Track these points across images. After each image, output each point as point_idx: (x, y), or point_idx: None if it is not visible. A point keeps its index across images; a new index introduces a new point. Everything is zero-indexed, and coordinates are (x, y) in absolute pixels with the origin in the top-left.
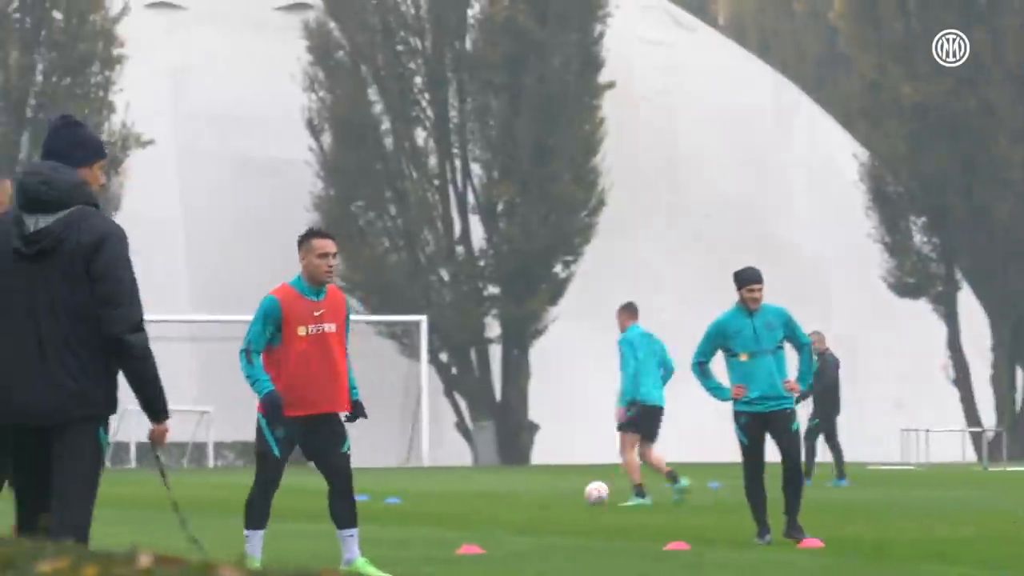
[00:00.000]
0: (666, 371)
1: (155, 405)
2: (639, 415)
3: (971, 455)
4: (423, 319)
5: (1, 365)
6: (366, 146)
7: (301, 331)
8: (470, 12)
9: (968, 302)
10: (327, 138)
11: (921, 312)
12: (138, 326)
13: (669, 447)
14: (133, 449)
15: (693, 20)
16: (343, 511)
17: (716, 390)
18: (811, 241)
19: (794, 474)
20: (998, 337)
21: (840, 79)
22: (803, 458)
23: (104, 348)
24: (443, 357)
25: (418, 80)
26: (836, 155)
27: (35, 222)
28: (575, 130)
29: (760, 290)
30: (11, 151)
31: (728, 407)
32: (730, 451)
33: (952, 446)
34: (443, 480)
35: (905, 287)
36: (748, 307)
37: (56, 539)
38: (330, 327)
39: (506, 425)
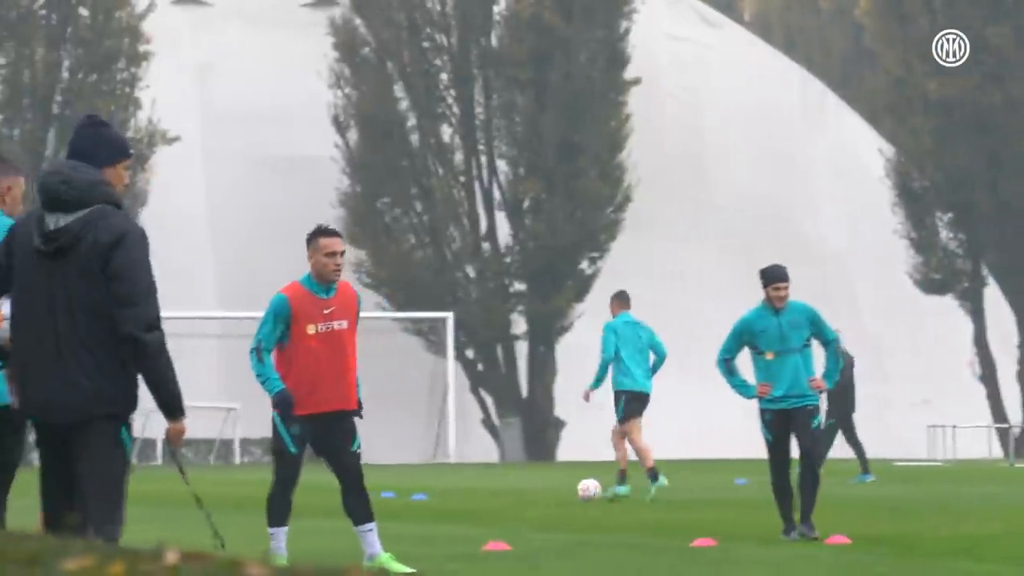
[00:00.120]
0: (657, 357)
1: (171, 404)
2: (628, 402)
3: (997, 451)
4: (449, 316)
5: (21, 362)
6: (392, 143)
7: (311, 329)
8: (496, 8)
9: (994, 298)
10: (353, 135)
11: (947, 308)
12: (152, 325)
13: (696, 443)
14: (159, 446)
15: (719, 16)
16: (357, 507)
17: (741, 387)
18: (837, 237)
19: (811, 472)
20: None
21: (866, 75)
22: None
23: (120, 347)
24: (469, 354)
25: (444, 77)
26: (862, 151)
27: (55, 221)
28: (601, 126)
29: (786, 288)
30: (37, 148)
31: (753, 404)
32: (756, 447)
33: (978, 442)
34: (469, 477)
35: (931, 283)
36: (774, 305)
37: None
38: (341, 324)
39: (532, 421)
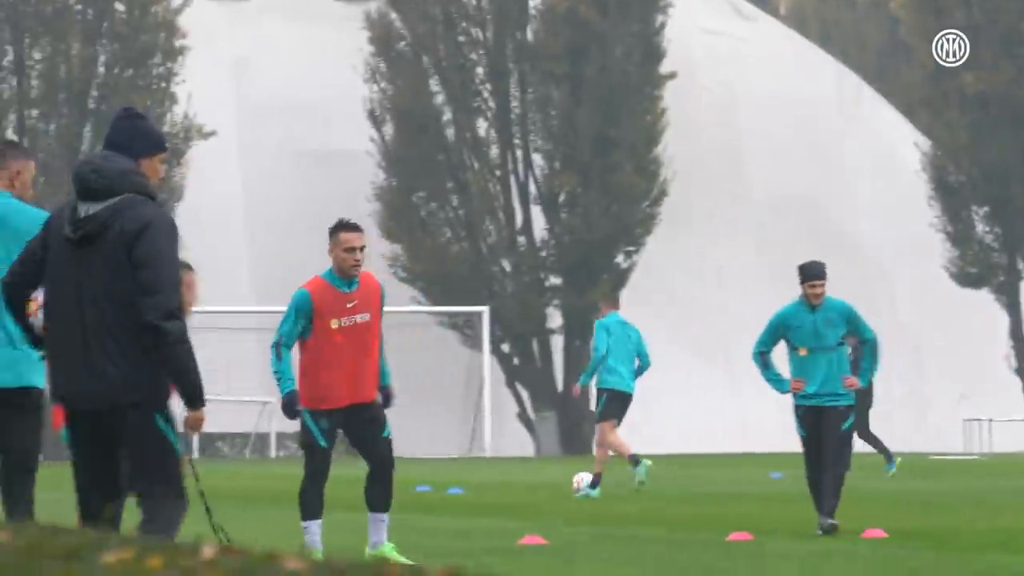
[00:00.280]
0: (642, 361)
1: (192, 393)
2: (610, 400)
3: None
4: (485, 310)
5: (52, 351)
6: (427, 137)
7: (334, 324)
8: (531, 3)
9: None
10: (389, 129)
11: (983, 302)
12: (173, 314)
13: (731, 437)
14: (196, 440)
15: (754, 10)
16: (379, 496)
17: (775, 382)
18: (873, 231)
19: (834, 471)
20: None
21: (901, 69)
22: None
23: (140, 335)
24: (505, 348)
25: (479, 71)
26: (898, 145)
27: (86, 209)
28: (636, 120)
29: (822, 286)
30: (73, 143)
31: (788, 398)
32: (791, 442)
33: (1015, 436)
34: (505, 470)
35: (967, 277)
36: (810, 302)
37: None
38: (363, 317)
39: (568, 415)
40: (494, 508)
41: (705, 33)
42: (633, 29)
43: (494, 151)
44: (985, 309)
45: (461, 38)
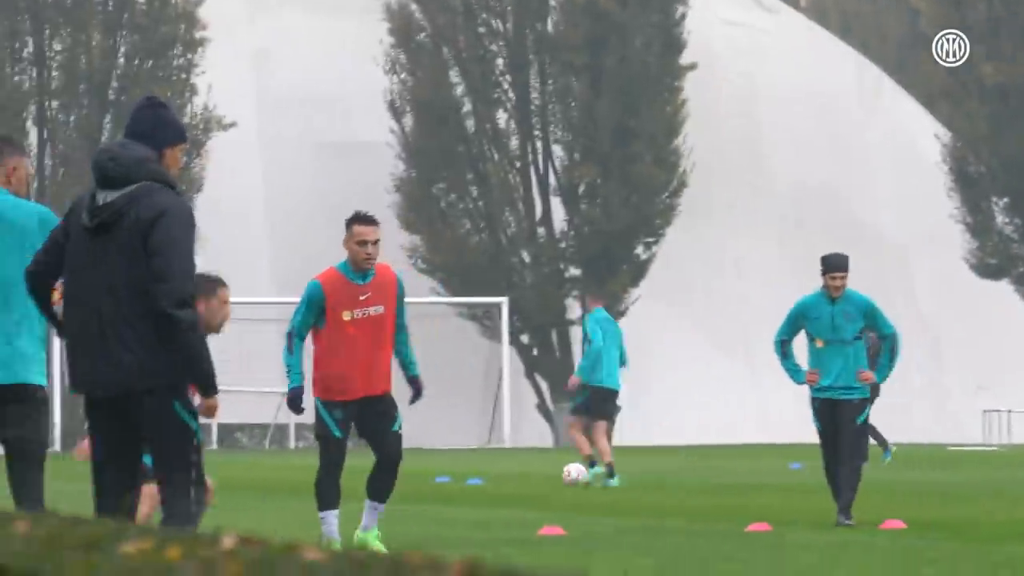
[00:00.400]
0: (620, 359)
1: (204, 380)
2: (591, 398)
3: None
4: (504, 301)
5: (71, 339)
6: (447, 128)
7: (346, 316)
8: None
9: None
10: (409, 120)
11: (1003, 293)
12: (186, 302)
13: (750, 428)
14: (215, 430)
15: (775, 1)
16: (381, 485)
17: (793, 372)
18: (893, 222)
19: (851, 465)
20: None
21: (922, 60)
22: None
23: (154, 322)
24: (524, 339)
25: (499, 62)
26: (918, 136)
27: (104, 197)
28: (656, 112)
29: (843, 279)
30: (94, 134)
31: (806, 389)
32: (810, 433)
33: None
34: (524, 461)
35: (987, 268)
36: (830, 294)
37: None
38: (377, 310)
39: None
40: (513, 499)
41: (725, 24)
42: (653, 20)
43: (514, 142)
44: (1004, 300)
45: (481, 29)
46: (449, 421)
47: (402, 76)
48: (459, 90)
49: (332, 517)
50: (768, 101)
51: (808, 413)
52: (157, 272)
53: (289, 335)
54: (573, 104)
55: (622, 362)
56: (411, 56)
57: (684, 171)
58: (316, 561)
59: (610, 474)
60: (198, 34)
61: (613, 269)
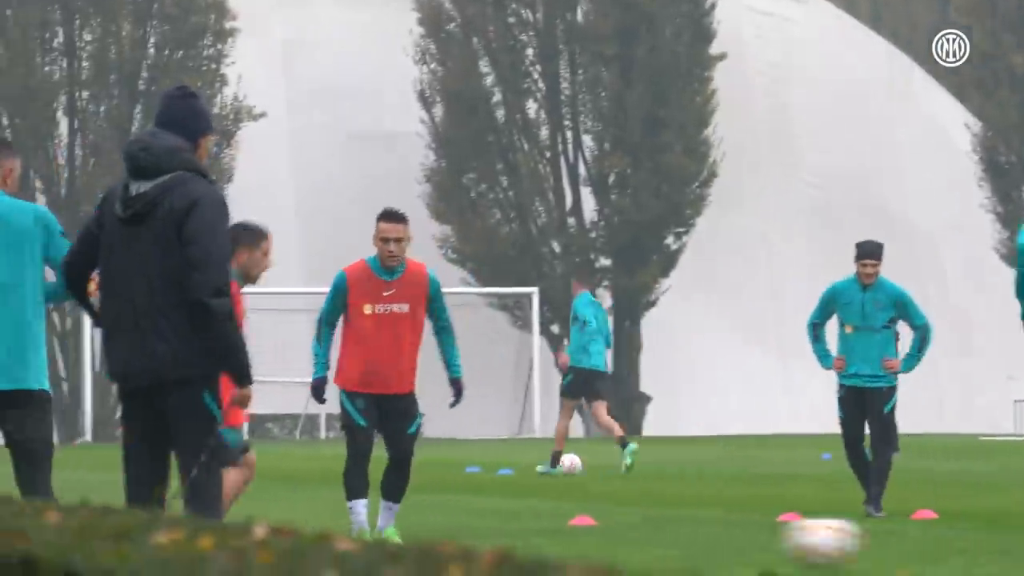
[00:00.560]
0: (604, 341)
1: (239, 370)
2: (576, 379)
3: None
4: (535, 291)
5: (106, 329)
6: (477, 118)
7: (367, 309)
8: None
9: None
10: (439, 110)
11: None
12: (220, 291)
13: (782, 418)
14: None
15: None
16: (394, 485)
17: (822, 356)
18: (923, 212)
19: (881, 455)
20: None
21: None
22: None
23: (189, 311)
24: (555, 329)
25: (530, 52)
26: (948, 126)
27: (137, 188)
28: (686, 102)
29: (874, 266)
30: (124, 124)
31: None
32: None
33: None
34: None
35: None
36: (862, 281)
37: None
38: (401, 308)
39: (618, 396)
40: (544, 489)
41: (755, 14)
42: (683, 10)
43: (544, 132)
44: None
45: (511, 19)
46: (479, 411)
47: (432, 66)
48: (489, 80)
49: (360, 506)
50: (798, 91)
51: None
52: (193, 261)
53: (318, 321)
54: (603, 94)
55: (607, 344)
56: (441, 46)
57: (714, 161)
58: (347, 551)
59: (623, 444)
60: (228, 24)
61: (643, 259)
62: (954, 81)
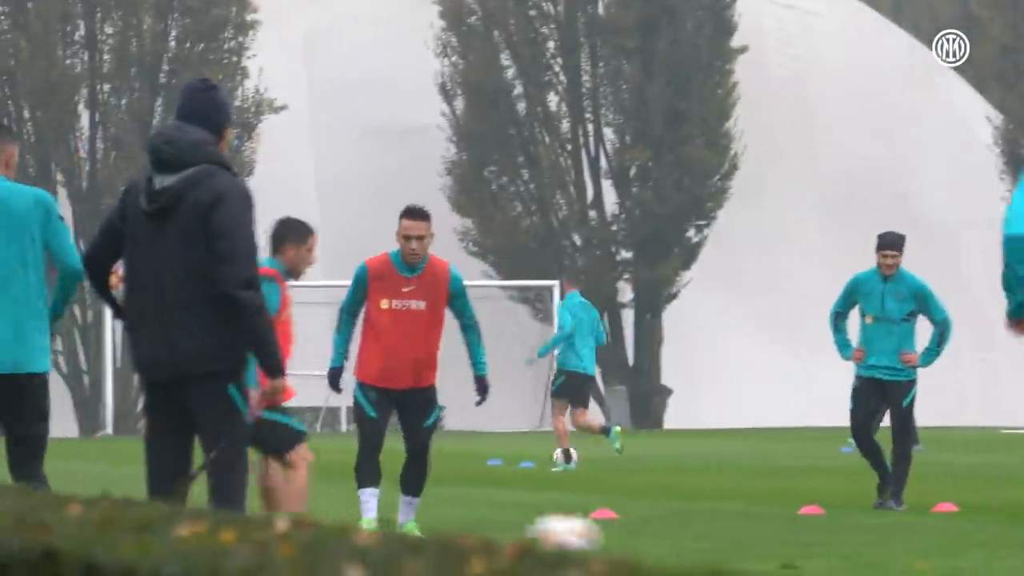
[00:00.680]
0: (596, 339)
1: (270, 363)
2: (567, 382)
3: None
4: (555, 284)
5: (131, 323)
6: (499, 111)
7: (384, 304)
8: None
9: None
10: (460, 103)
11: None
12: (250, 283)
13: (802, 411)
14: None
15: None
16: (412, 478)
17: (842, 346)
18: (944, 205)
19: (901, 447)
20: None
21: (974, 42)
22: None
23: (217, 305)
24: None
25: (551, 45)
26: (969, 119)
27: (161, 181)
28: (708, 95)
29: (893, 257)
30: (145, 117)
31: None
32: None
33: None
34: (576, 444)
35: None
36: (882, 272)
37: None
38: (419, 304)
39: (639, 389)
40: (564, 482)
41: (776, 6)
42: (704, 2)
43: (565, 125)
44: None
45: (532, 12)
46: (501, 404)
47: (453, 59)
48: (510, 73)
49: (368, 495)
50: (819, 84)
51: None
52: (221, 254)
53: (340, 312)
54: (624, 87)
55: (598, 342)
56: (462, 39)
57: (735, 154)
58: (369, 544)
59: (607, 432)
60: (249, 17)
61: (664, 252)
62: (975, 74)
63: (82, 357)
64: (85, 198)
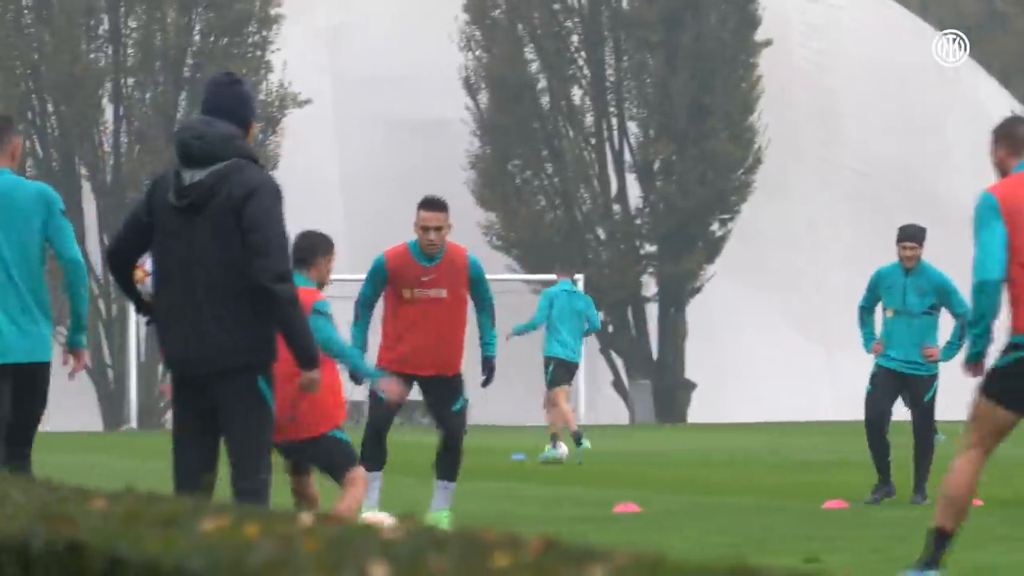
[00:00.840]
0: (590, 325)
1: (303, 354)
2: (556, 368)
3: None
4: (580, 278)
5: (162, 317)
6: (522, 105)
7: (406, 294)
8: None
9: None
10: (484, 97)
11: None
12: (283, 276)
13: (826, 405)
14: None
15: None
16: (445, 463)
17: (865, 338)
18: (969, 199)
19: (922, 440)
20: None
21: (998, 37)
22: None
23: (252, 298)
24: (599, 316)
25: (575, 39)
26: (994, 112)
27: (190, 176)
28: (732, 88)
29: (914, 249)
30: (169, 111)
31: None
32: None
33: None
34: (599, 439)
35: None
36: (904, 264)
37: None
38: (439, 293)
39: (662, 383)
40: (588, 476)
41: (801, 0)
42: None
43: (589, 119)
44: None
45: (556, 6)
46: (524, 398)
47: (477, 53)
48: (534, 67)
49: (372, 478)
50: (843, 77)
51: None
52: (255, 247)
53: (356, 304)
54: (648, 81)
55: (592, 327)
56: (486, 33)
57: (759, 147)
58: (394, 538)
59: (555, 445)
60: (273, 11)
61: (688, 246)
62: (999, 68)
63: (106, 351)
64: (109, 192)
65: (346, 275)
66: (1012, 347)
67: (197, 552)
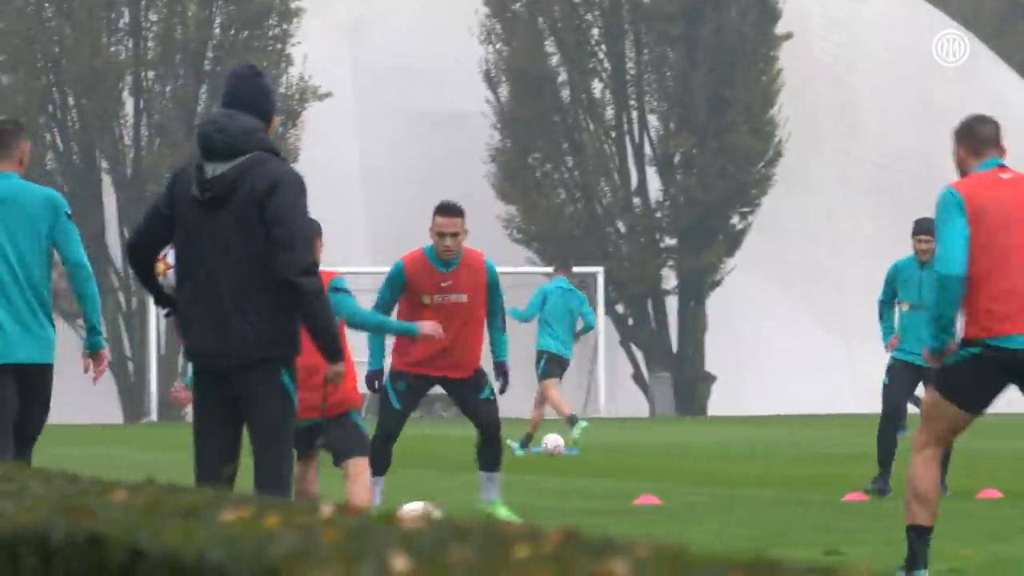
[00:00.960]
0: (584, 323)
1: (329, 348)
2: (548, 362)
3: None
4: (600, 271)
5: (185, 310)
6: (543, 98)
7: (426, 300)
8: None
9: None
10: (504, 90)
11: None
12: (308, 270)
13: (846, 398)
14: None
15: None
16: (487, 455)
17: (884, 332)
18: None
19: None
20: None
21: (1019, 29)
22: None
23: (277, 292)
24: (620, 308)
25: (595, 32)
26: (1014, 106)
27: (213, 169)
28: (752, 81)
29: (927, 242)
30: (190, 104)
31: None
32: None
33: None
34: (620, 431)
35: None
36: (920, 258)
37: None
38: (459, 297)
39: (682, 376)
40: (608, 469)
41: None
42: None
43: (609, 112)
44: None
45: None
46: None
47: (497, 46)
48: (554, 60)
49: (375, 483)
50: (863, 70)
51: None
52: (279, 241)
53: (374, 307)
54: (669, 74)
55: (587, 326)
56: (506, 26)
57: (780, 141)
58: (414, 530)
59: (523, 444)
60: (293, 4)
61: (709, 239)
62: (1020, 61)
63: (126, 344)
64: (129, 185)
65: (368, 268)
66: (964, 343)
67: (218, 543)
